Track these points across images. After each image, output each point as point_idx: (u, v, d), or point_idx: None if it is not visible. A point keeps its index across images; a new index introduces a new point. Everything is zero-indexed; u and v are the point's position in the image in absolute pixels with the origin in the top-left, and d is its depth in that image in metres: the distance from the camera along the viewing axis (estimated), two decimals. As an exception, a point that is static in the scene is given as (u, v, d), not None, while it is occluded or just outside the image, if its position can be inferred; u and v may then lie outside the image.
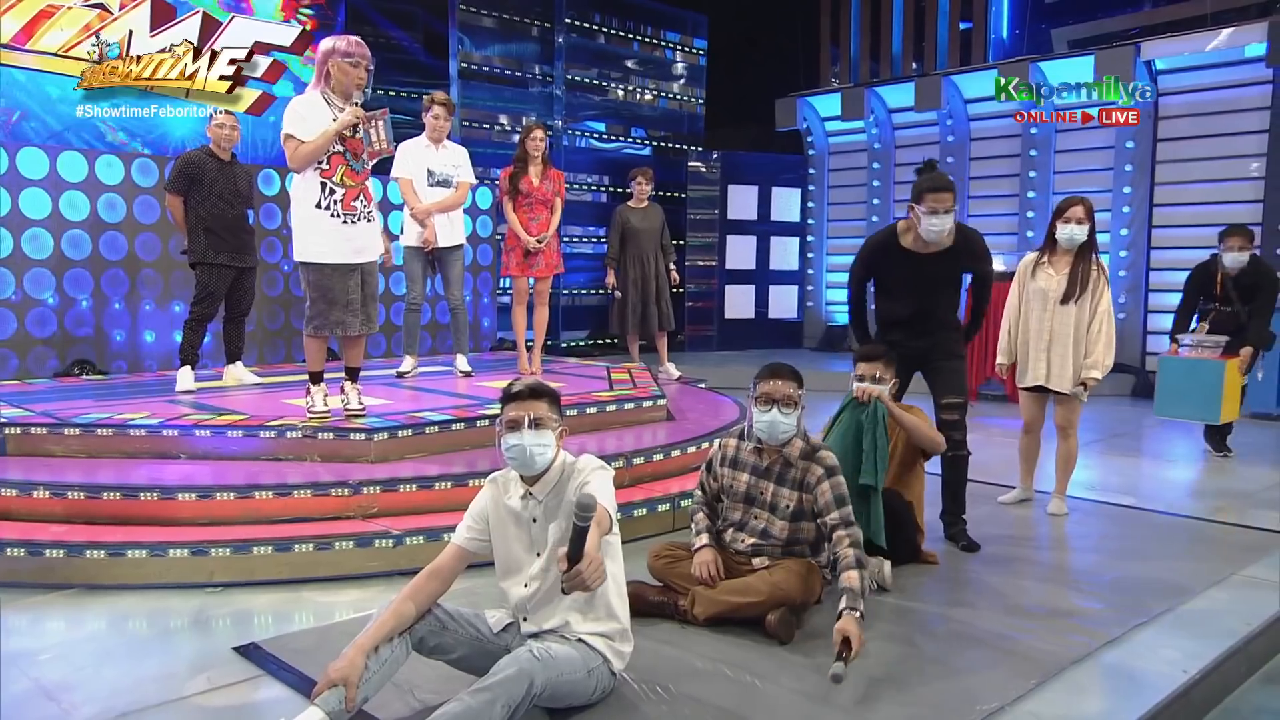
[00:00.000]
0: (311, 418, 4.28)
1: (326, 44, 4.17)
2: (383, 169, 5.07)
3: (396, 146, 4.33)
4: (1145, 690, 2.61)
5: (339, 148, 4.07)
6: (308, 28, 8.01)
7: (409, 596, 2.37)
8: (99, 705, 2.49)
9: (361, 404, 4.41)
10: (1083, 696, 2.60)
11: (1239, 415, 5.75)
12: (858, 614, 2.60)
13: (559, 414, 2.48)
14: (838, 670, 2.43)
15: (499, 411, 2.48)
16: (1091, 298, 4.30)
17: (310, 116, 4.04)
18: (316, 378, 4.37)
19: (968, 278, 4.08)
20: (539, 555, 2.44)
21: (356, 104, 4.06)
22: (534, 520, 2.45)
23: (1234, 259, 5.60)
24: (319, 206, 4.09)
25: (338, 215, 4.10)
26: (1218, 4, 9.41)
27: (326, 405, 4.35)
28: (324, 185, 4.09)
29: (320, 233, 4.11)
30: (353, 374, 4.46)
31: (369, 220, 4.23)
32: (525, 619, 2.45)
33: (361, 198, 4.18)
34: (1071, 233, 4.29)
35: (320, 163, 4.06)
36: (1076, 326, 4.30)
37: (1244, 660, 2.97)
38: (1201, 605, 3.30)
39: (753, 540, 3.12)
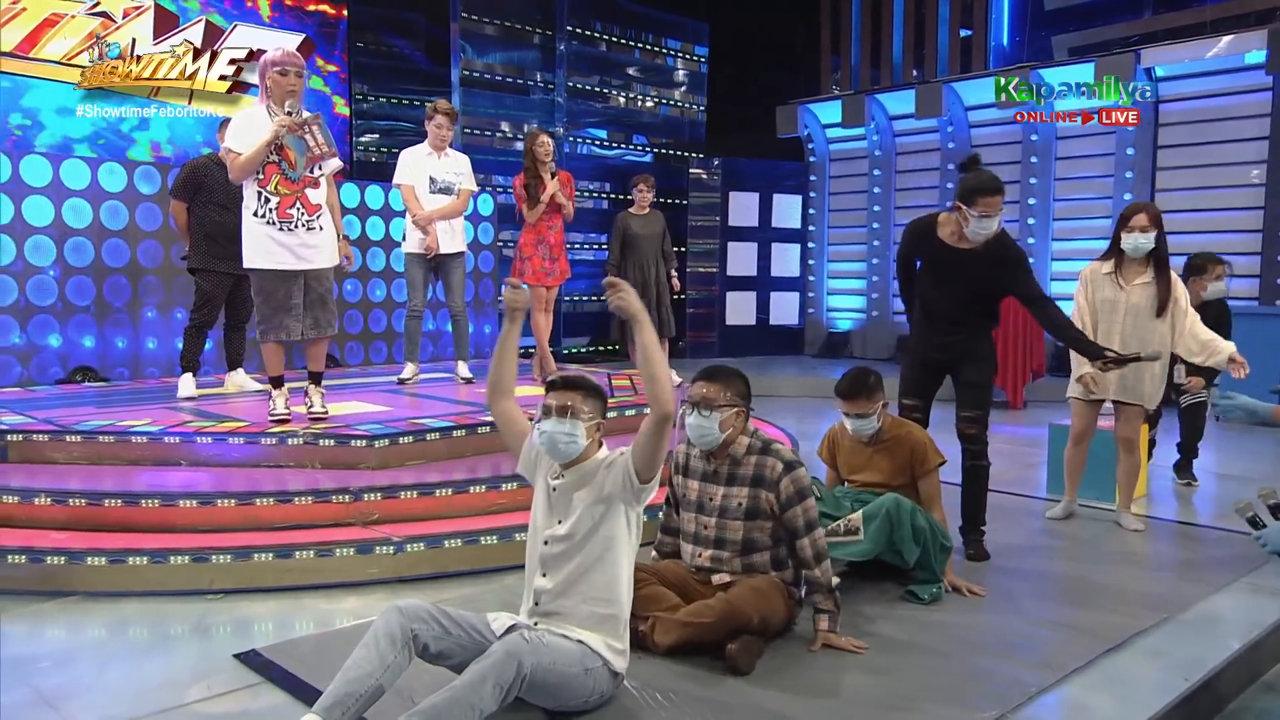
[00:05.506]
0: (272, 421, 4.34)
1: (264, 57, 4.27)
2: (384, 176, 5.06)
3: (335, 150, 4.35)
4: (1146, 697, 2.61)
5: (274, 157, 4.15)
6: (328, 18, 7.95)
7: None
8: (99, 713, 2.49)
9: (324, 407, 4.46)
10: (1084, 703, 2.60)
11: (1145, 491, 4.94)
12: (825, 624, 2.84)
13: (596, 409, 2.57)
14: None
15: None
16: (1174, 310, 4.15)
17: (247, 128, 4.13)
18: (276, 381, 4.46)
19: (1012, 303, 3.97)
20: (560, 522, 2.49)
21: (288, 113, 4.13)
22: (554, 490, 2.52)
23: (1216, 289, 4.95)
24: (255, 215, 4.19)
25: (273, 223, 4.19)
26: (1217, 12, 9.44)
27: (287, 409, 4.42)
28: (259, 194, 4.19)
29: (256, 239, 4.21)
30: (315, 378, 4.53)
31: (309, 228, 4.27)
32: (537, 604, 2.47)
33: (299, 205, 4.23)
34: (1136, 241, 4.10)
35: (257, 172, 4.15)
36: (1161, 340, 4.12)
37: (1245, 667, 2.97)
38: (1203, 612, 3.30)
39: (709, 553, 2.96)
